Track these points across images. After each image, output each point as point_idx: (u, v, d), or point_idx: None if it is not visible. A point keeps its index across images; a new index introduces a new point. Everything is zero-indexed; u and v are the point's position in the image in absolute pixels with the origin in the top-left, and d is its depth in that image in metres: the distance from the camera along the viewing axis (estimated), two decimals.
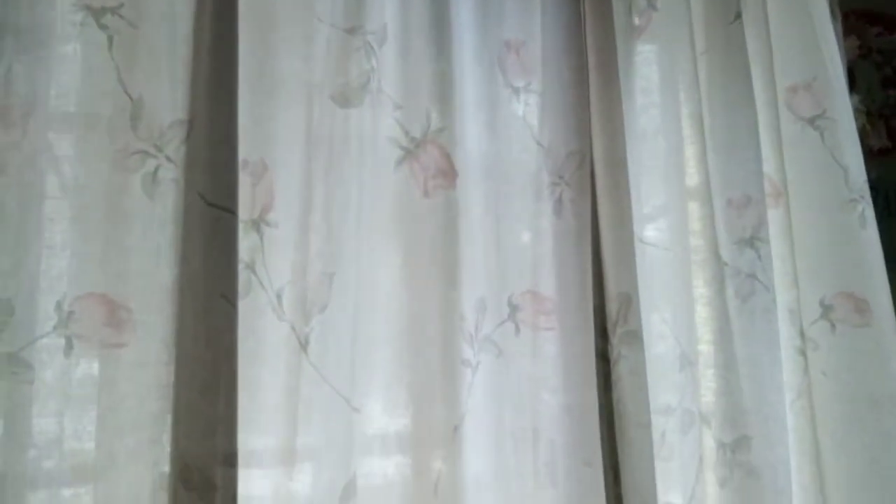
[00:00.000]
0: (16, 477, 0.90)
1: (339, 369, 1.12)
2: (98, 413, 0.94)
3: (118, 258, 0.97)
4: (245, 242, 1.05)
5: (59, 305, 0.93)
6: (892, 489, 1.46)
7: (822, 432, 1.48)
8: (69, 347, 0.93)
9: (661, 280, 1.38)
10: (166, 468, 0.95)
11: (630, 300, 1.29)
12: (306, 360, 1.10)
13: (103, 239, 0.97)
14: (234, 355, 0.97)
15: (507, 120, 1.31)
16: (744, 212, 1.44)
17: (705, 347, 1.40)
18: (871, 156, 1.78)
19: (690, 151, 1.46)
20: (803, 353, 1.49)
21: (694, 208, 1.44)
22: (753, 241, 1.43)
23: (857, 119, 1.68)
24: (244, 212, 1.05)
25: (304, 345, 1.10)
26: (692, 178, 1.45)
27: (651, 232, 1.39)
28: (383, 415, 1.17)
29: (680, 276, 1.39)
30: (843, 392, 1.49)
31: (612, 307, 1.30)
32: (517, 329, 1.29)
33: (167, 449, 0.95)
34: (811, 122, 1.58)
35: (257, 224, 1.08)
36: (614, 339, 1.29)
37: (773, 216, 1.49)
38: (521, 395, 1.28)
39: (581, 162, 1.32)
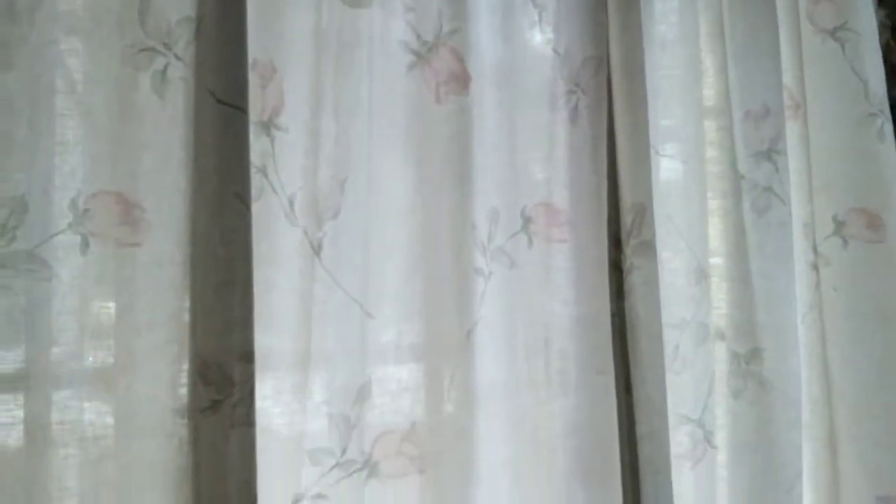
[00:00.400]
0: (38, 375, 0.92)
1: (352, 275, 1.14)
2: (116, 312, 0.96)
3: (130, 157, 0.97)
4: (256, 146, 1.04)
5: (73, 203, 0.94)
6: None
7: (830, 347, 1.51)
8: (85, 245, 0.94)
9: (678, 193, 1.38)
10: (185, 365, 0.97)
11: (645, 210, 1.29)
12: (319, 265, 1.11)
13: (114, 137, 0.96)
14: (248, 253, 0.98)
15: (522, 24, 1.29)
16: (762, 124, 1.44)
17: (721, 260, 1.42)
18: (894, 73, 1.76)
19: (709, 61, 1.44)
20: (816, 267, 1.50)
21: (711, 120, 1.43)
22: (771, 153, 1.43)
23: (881, 34, 1.65)
24: (254, 114, 1.04)
25: (316, 250, 1.11)
26: (710, 88, 1.44)
27: (667, 144, 1.39)
28: (396, 321, 1.19)
29: (696, 188, 1.39)
30: (852, 308, 1.51)
31: (626, 218, 1.30)
32: (530, 241, 1.30)
33: (185, 347, 0.97)
34: (832, 33, 1.56)
35: (267, 127, 1.07)
36: (628, 250, 1.30)
37: (791, 129, 1.48)
38: (532, 306, 1.30)
39: (598, 68, 1.31)
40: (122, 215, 0.96)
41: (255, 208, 1.02)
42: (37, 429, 0.92)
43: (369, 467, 1.16)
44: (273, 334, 1.08)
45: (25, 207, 0.91)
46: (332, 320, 1.12)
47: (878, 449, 1.50)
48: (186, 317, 0.97)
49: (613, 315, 1.30)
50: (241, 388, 0.97)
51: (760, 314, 1.40)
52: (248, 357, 0.97)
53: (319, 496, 1.11)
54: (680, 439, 1.38)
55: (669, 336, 1.36)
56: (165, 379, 0.97)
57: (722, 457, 1.40)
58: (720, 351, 1.40)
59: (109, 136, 0.96)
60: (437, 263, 1.20)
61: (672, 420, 1.34)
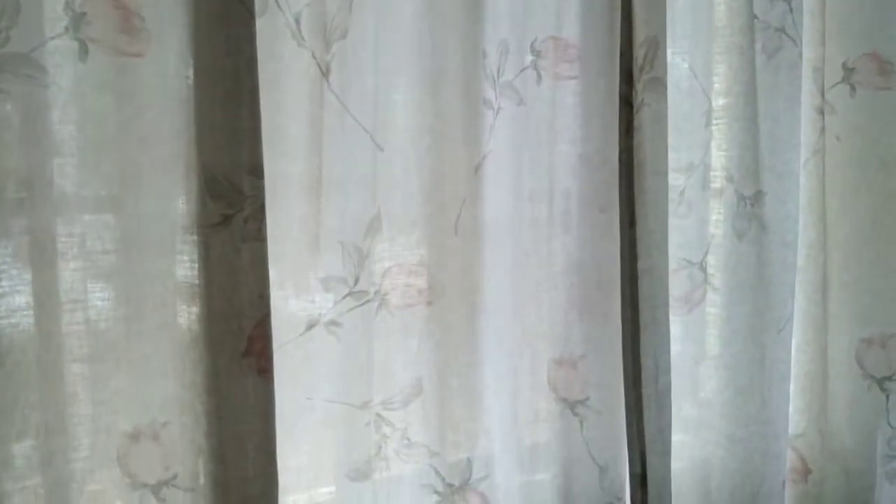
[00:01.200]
0: (42, 185, 0.86)
1: (361, 102, 1.07)
2: (119, 124, 0.89)
3: None
4: None
5: (67, 5, 0.85)
6: (889, 248, 1.47)
7: (830, 194, 1.47)
8: (83, 52, 0.86)
9: (691, 30, 1.30)
10: (193, 181, 0.92)
11: (658, 45, 1.21)
12: (328, 88, 1.04)
13: None
14: (254, 64, 0.90)
15: None
16: None
17: (731, 101, 1.35)
18: None
19: None
20: (821, 112, 1.44)
21: None
22: None
23: None
24: None
25: (325, 73, 1.04)
26: None
27: None
28: (405, 153, 1.13)
29: (709, 26, 1.31)
30: (854, 155, 1.47)
31: (638, 52, 1.22)
32: (539, 77, 1.23)
33: (192, 161, 0.91)
34: None
35: None
36: (639, 86, 1.23)
37: None
38: (539, 146, 1.24)
39: None
40: (121, 22, 0.88)
41: (260, 25, 0.94)
42: (45, 240, 0.87)
43: (379, 298, 1.13)
44: (284, 159, 1.03)
45: (17, 7, 0.82)
46: (342, 148, 1.07)
47: (866, 294, 1.49)
48: (193, 130, 0.91)
49: (621, 152, 1.24)
50: (252, 202, 0.91)
51: (765, 157, 1.35)
52: (257, 171, 0.91)
53: (333, 323, 1.09)
54: (680, 282, 1.36)
55: (676, 181, 1.32)
56: (173, 194, 0.92)
57: (721, 298, 1.38)
58: (727, 193, 1.36)
59: None
60: (446, 93, 1.13)
61: (673, 264, 1.31)
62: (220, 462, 0.92)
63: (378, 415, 1.14)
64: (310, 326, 1.08)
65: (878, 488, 1.51)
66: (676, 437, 1.31)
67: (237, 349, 0.92)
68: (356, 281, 1.10)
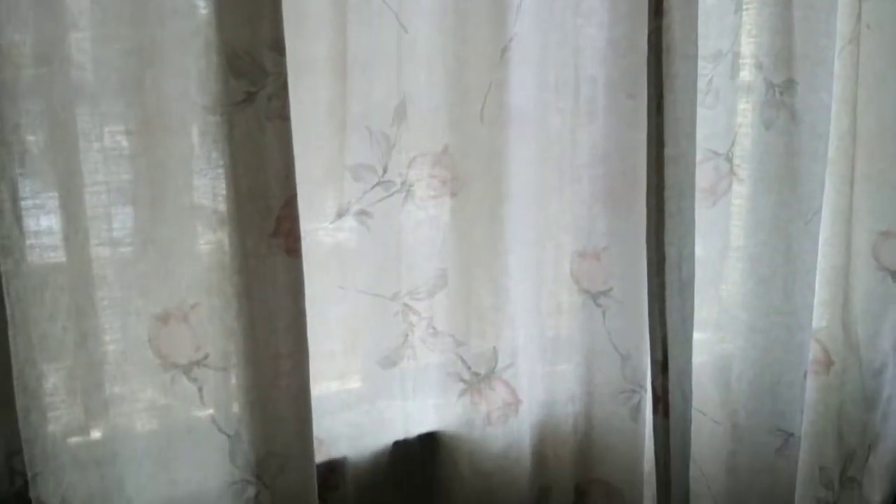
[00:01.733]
0: (59, 60, 0.82)
1: None
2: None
3: None
4: None
5: None
6: None
7: (860, 84, 1.40)
8: None
9: None
10: (213, 59, 0.87)
11: None
12: None
13: None
14: None
15: None
16: None
17: None
18: None
19: None
20: None
21: None
22: None
23: None
24: None
25: None
26: None
27: None
28: (430, 35, 1.07)
29: None
30: (883, 46, 1.39)
31: None
32: None
33: (212, 38, 0.86)
34: None
35: None
36: None
37: None
38: (565, 29, 1.18)
39: None
40: None
41: None
42: (66, 119, 0.84)
43: (405, 189, 1.10)
44: (307, 38, 0.98)
45: None
46: (366, 28, 1.01)
47: (887, 187, 1.44)
48: (211, 4, 0.86)
49: (650, 34, 1.17)
50: (275, 79, 0.87)
51: (798, 44, 1.27)
52: (278, 47, 0.86)
53: (363, 213, 1.06)
54: (705, 174, 1.31)
55: (704, 69, 1.25)
56: (193, 73, 0.87)
57: (746, 189, 1.33)
58: (756, 81, 1.29)
59: None
60: None
61: (699, 155, 1.26)
62: (251, 340, 0.91)
63: (405, 304, 1.13)
64: (340, 215, 1.06)
65: (887, 371, 1.50)
66: (698, 336, 1.29)
67: (265, 229, 0.89)
68: (385, 170, 1.07)
